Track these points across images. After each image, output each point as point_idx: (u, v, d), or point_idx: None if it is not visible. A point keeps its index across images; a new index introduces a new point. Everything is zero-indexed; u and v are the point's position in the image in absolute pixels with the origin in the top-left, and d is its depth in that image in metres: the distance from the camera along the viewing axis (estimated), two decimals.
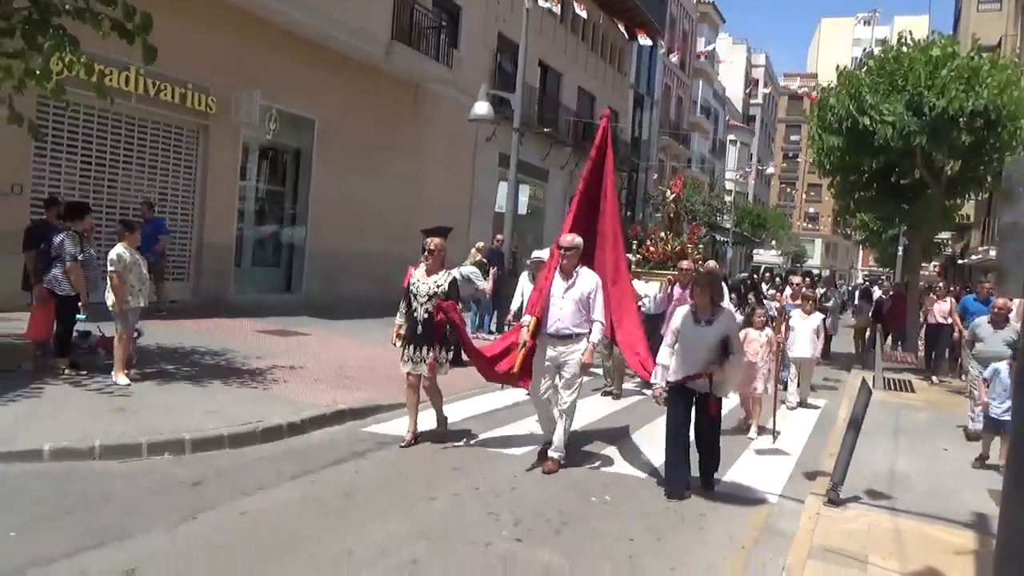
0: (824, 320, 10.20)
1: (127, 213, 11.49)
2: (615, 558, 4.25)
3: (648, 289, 9.95)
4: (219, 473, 5.14)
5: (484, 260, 13.10)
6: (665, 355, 5.51)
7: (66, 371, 7.08)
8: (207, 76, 12.67)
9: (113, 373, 6.99)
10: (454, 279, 6.19)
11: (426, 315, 6.03)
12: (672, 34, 37.70)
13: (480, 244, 13.73)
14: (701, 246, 14.74)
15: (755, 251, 56.96)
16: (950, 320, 12.65)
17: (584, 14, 18.29)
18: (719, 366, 5.28)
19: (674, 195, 12.65)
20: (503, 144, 20.72)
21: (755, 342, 7.89)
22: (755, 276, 25.63)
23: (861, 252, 71.73)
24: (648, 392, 7.66)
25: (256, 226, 15.13)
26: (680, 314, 5.59)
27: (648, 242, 11.79)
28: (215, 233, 13.39)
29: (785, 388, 9.56)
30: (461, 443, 6.41)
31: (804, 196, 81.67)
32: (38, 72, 7.01)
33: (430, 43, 18.01)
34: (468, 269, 12.08)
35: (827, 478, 5.58)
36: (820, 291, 16.27)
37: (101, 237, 9.92)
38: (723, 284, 7.04)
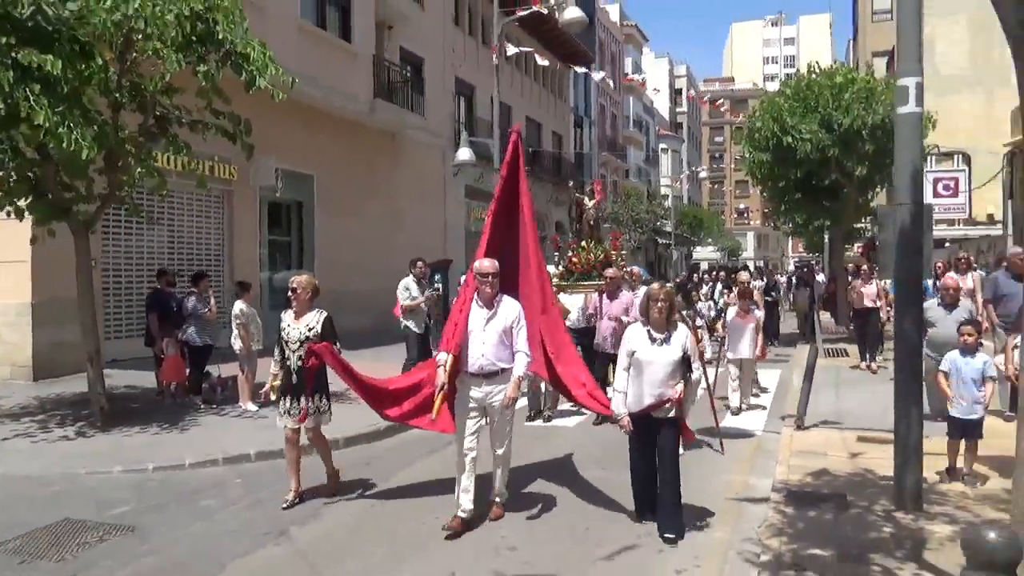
0: (760, 318, 9.70)
1: (183, 269, 13.32)
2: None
3: (573, 302, 9.45)
4: (372, 459, 7.17)
5: None
6: (622, 380, 5.10)
7: (201, 406, 8.95)
8: (228, 148, 14.50)
9: (241, 403, 8.92)
10: (328, 317, 5.74)
11: (299, 363, 5.58)
12: (602, 56, 40.66)
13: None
14: (625, 252, 13.90)
15: (694, 249, 60.47)
16: (879, 303, 12.38)
17: (546, 63, 20.59)
18: (683, 386, 4.95)
19: (594, 201, 11.99)
20: (468, 177, 23.09)
21: None
22: (693, 276, 25.99)
23: (791, 241, 76.27)
24: (586, 411, 7.79)
25: (271, 273, 16.94)
26: (634, 334, 5.14)
27: (570, 253, 11.25)
28: None
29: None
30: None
31: (734, 193, 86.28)
32: (146, 171, 8.94)
33: (402, 94, 20.15)
34: None
35: (792, 417, 7.96)
36: (759, 283, 18.68)
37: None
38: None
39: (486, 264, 5.28)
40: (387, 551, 4.85)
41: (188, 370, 9.27)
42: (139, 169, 8.75)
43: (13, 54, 7.03)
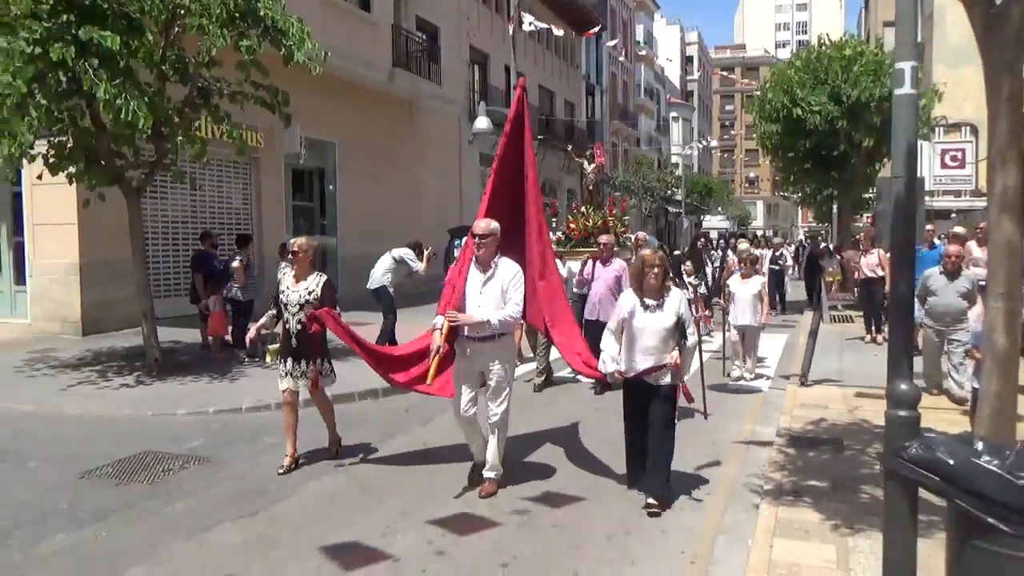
0: (764, 284, 9.60)
1: (215, 233, 13.92)
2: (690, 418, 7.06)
3: (569, 268, 9.25)
4: (410, 407, 7.80)
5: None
6: (611, 344, 5.07)
7: (245, 359, 9.62)
8: (255, 116, 15.03)
9: None
10: (328, 281, 5.66)
11: (299, 326, 5.53)
12: (613, 24, 40.68)
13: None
14: (626, 218, 13.41)
15: (704, 218, 60.76)
16: (880, 272, 11.45)
17: (560, 33, 20.89)
18: (679, 353, 4.86)
19: (594, 166, 11.58)
20: (483, 145, 23.49)
21: None
22: (702, 241, 26.26)
23: (800, 210, 76.35)
24: (581, 378, 7.93)
25: (295, 237, 17.54)
26: (626, 301, 5.06)
27: (569, 218, 11.03)
28: (271, 246, 15.81)
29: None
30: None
31: (744, 161, 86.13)
32: (187, 140, 9.50)
33: (418, 63, 20.54)
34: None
35: (796, 375, 8.57)
36: (762, 252, 19.04)
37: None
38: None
39: (481, 225, 5.11)
40: (439, 482, 5.45)
41: (231, 326, 9.91)
42: (180, 137, 9.30)
43: (74, 31, 7.57)
